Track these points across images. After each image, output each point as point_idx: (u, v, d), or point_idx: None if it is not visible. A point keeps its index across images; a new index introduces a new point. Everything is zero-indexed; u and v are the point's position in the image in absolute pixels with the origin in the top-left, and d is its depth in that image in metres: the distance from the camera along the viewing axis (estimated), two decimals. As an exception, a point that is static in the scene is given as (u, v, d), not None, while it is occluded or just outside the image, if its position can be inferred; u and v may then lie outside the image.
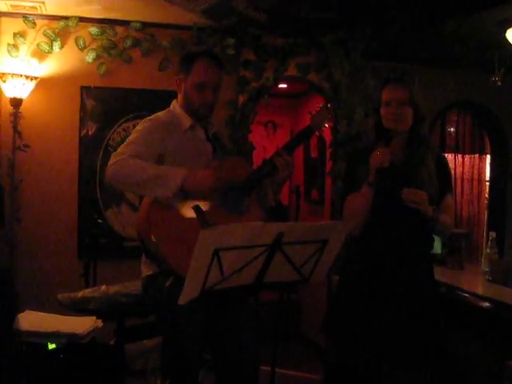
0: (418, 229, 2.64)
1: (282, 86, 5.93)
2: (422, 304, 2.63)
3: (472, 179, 6.19)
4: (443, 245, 3.96)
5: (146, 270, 2.54)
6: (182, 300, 1.93)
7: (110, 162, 2.35)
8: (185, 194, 2.33)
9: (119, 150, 2.40)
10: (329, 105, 2.73)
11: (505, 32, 3.79)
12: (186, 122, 2.57)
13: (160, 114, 2.61)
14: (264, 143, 7.05)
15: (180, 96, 2.63)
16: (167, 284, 2.38)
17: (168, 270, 2.33)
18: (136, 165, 2.32)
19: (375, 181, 2.53)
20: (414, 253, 2.66)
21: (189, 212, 2.33)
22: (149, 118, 2.56)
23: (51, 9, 4.15)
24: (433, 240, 2.77)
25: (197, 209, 2.34)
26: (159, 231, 2.31)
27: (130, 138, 2.46)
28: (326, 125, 2.64)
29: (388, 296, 2.60)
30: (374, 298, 2.61)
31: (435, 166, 2.68)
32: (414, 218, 2.60)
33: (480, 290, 3.36)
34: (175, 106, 2.64)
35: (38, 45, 4.29)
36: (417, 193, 2.52)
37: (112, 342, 3.17)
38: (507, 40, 3.83)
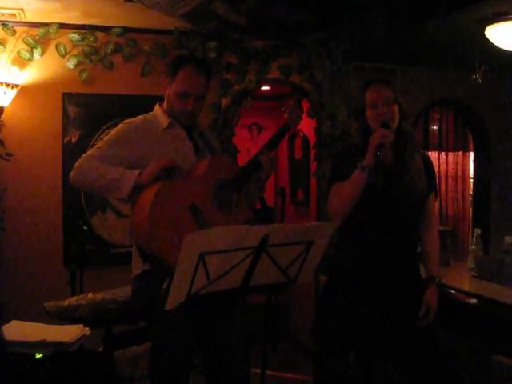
0: (404, 226, 2.66)
1: (265, 88, 5.94)
2: (410, 301, 2.65)
3: (456, 176, 6.22)
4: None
5: (136, 269, 2.54)
6: (169, 305, 1.93)
7: (76, 163, 2.46)
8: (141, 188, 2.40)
9: (88, 151, 2.51)
10: (300, 103, 2.80)
11: (484, 30, 3.82)
12: (164, 121, 2.59)
13: (139, 117, 2.64)
14: (248, 146, 7.03)
15: (165, 99, 2.65)
16: (165, 286, 2.37)
17: (165, 270, 2.30)
18: (95, 168, 2.42)
19: (372, 159, 2.50)
20: (401, 250, 2.67)
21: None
22: (125, 121, 2.61)
23: (30, 16, 4.12)
24: (418, 238, 2.79)
25: (194, 209, 2.37)
26: (161, 234, 2.30)
27: (102, 140, 2.56)
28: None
29: (376, 294, 2.61)
30: (362, 296, 2.62)
31: (422, 163, 2.71)
32: (401, 217, 2.63)
33: (466, 287, 3.38)
34: (157, 108, 2.66)
35: (18, 52, 4.26)
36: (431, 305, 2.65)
37: (100, 350, 3.16)
38: (487, 38, 3.86)
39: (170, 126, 2.59)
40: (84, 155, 2.49)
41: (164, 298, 2.34)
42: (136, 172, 2.41)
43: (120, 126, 2.58)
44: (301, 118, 2.75)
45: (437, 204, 5.85)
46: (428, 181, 2.72)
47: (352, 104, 2.86)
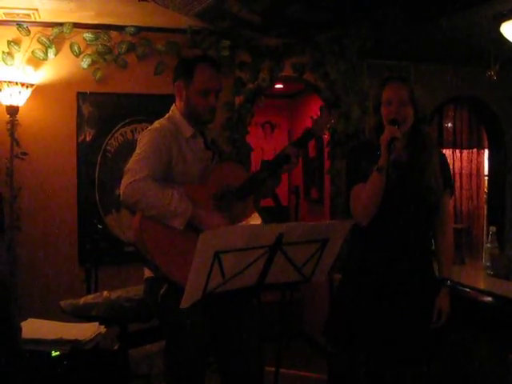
0: (419, 226, 2.64)
1: (279, 86, 5.94)
2: (423, 302, 2.63)
3: (471, 174, 6.19)
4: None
5: (148, 271, 2.55)
6: (184, 303, 1.94)
7: (125, 180, 2.37)
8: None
9: (132, 165, 2.41)
10: (331, 110, 2.76)
11: (499, 26, 3.79)
12: (187, 131, 2.58)
13: (162, 121, 2.60)
14: (262, 144, 7.05)
15: (180, 103, 2.62)
16: (162, 292, 2.41)
17: (163, 277, 2.35)
18: (150, 193, 2.34)
19: (387, 158, 2.49)
20: (415, 250, 2.66)
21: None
22: (154, 127, 2.56)
23: (45, 16, 4.15)
24: (433, 237, 2.77)
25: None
26: (153, 240, 2.35)
27: (139, 150, 2.46)
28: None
29: (389, 294, 2.60)
30: (375, 296, 2.61)
31: (438, 163, 2.68)
32: (416, 217, 2.61)
33: (481, 285, 3.36)
34: (175, 112, 2.63)
35: (32, 52, 4.29)
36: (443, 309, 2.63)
37: (116, 348, 3.17)
38: (502, 34, 3.83)
39: (192, 136, 2.59)
40: (132, 170, 2.38)
41: (161, 304, 2.40)
42: (189, 210, 2.37)
43: (153, 134, 2.50)
44: (326, 128, 2.74)
45: (452, 202, 5.85)
46: (443, 178, 2.70)
47: (370, 100, 2.83)
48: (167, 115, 2.65)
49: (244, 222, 2.53)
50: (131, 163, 2.42)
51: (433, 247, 2.79)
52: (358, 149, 2.87)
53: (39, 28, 4.30)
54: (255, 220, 2.59)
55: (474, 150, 6.23)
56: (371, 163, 2.55)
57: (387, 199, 2.56)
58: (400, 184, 2.58)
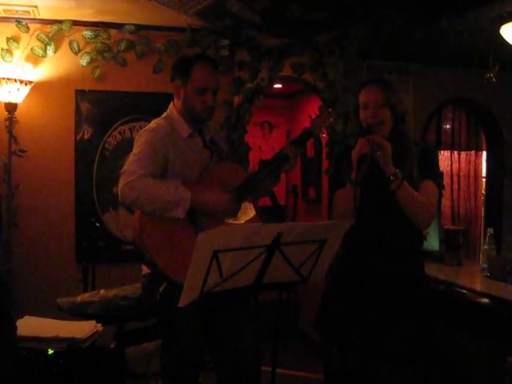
0: (405, 225, 2.62)
1: (278, 86, 5.94)
2: (411, 299, 2.62)
3: (468, 176, 6.18)
4: (441, 242, 3.96)
5: (146, 268, 2.55)
6: (182, 302, 1.93)
7: (121, 182, 2.37)
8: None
9: (128, 167, 2.40)
10: (329, 109, 2.76)
11: (499, 29, 3.79)
12: (185, 130, 2.57)
13: (159, 121, 2.59)
14: (260, 144, 7.05)
15: (178, 101, 2.62)
16: (161, 289, 2.41)
17: (161, 275, 2.35)
18: (147, 189, 2.34)
19: (358, 173, 2.49)
20: (402, 248, 2.65)
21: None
22: (150, 127, 2.55)
23: (44, 13, 4.15)
24: (422, 236, 2.76)
25: (193, 216, 2.42)
26: (152, 239, 2.35)
27: (135, 150, 2.46)
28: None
29: (376, 292, 2.60)
30: (364, 294, 2.61)
31: (419, 161, 2.66)
32: (397, 218, 2.59)
33: (478, 287, 3.36)
34: (173, 111, 2.63)
35: (31, 49, 4.28)
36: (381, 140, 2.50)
37: (112, 346, 3.17)
38: (502, 36, 3.84)
39: (190, 136, 2.59)
40: (128, 171, 2.37)
41: (159, 302, 2.40)
42: (188, 195, 2.38)
43: (150, 135, 2.50)
44: (324, 126, 2.72)
45: (449, 203, 5.83)
46: (422, 172, 2.64)
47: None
48: (165, 114, 2.65)
49: (242, 221, 2.53)
50: (127, 164, 2.42)
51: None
52: (343, 153, 2.86)
53: (38, 25, 4.30)
54: (252, 219, 2.59)
55: (472, 151, 6.23)
56: (352, 169, 2.55)
57: (365, 204, 2.56)
58: (376, 190, 2.58)
